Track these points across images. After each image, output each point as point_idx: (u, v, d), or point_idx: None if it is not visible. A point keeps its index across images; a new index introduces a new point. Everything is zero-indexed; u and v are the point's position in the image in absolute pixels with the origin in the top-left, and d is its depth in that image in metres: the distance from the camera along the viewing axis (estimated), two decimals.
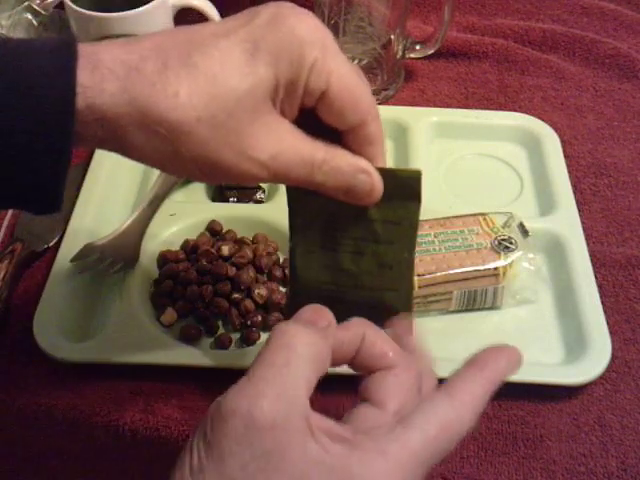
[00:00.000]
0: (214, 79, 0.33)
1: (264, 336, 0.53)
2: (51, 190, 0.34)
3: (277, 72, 0.34)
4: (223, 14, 0.70)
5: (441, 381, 0.47)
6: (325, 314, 0.36)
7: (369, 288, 0.40)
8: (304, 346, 0.33)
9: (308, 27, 0.35)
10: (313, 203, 0.39)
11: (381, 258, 0.40)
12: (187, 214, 0.60)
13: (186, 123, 0.33)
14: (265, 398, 0.31)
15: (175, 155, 0.34)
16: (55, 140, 0.32)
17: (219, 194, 0.63)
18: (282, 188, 0.61)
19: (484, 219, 0.56)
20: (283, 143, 0.36)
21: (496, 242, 0.55)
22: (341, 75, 0.36)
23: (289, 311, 0.40)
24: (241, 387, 0.31)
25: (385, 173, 0.38)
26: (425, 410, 0.34)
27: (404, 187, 0.39)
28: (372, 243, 0.40)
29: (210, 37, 0.35)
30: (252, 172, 0.35)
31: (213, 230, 0.59)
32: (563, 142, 0.67)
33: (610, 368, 0.51)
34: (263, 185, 0.63)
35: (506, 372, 0.37)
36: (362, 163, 0.38)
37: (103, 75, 0.32)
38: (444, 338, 0.53)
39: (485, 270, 0.53)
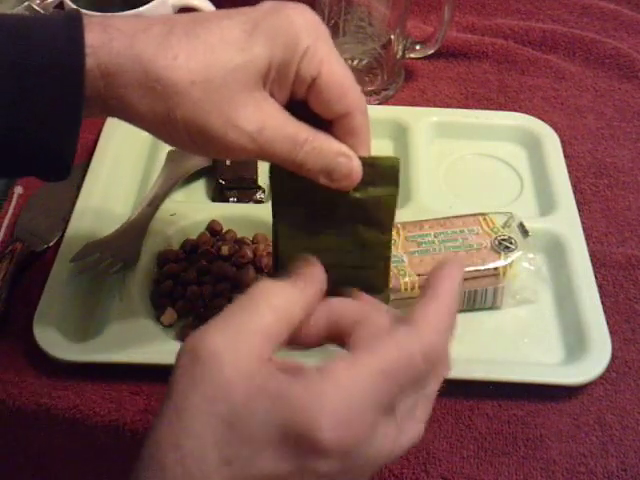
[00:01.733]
0: (212, 49, 0.36)
1: None
2: (63, 152, 0.37)
3: (271, 53, 0.37)
4: None
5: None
6: (309, 266, 0.38)
7: (349, 267, 0.42)
8: (267, 296, 0.35)
9: (305, 18, 0.38)
10: (296, 186, 0.40)
11: (360, 238, 0.42)
12: (187, 214, 0.60)
13: (180, 84, 0.36)
14: (209, 335, 0.33)
15: (167, 116, 0.36)
16: (67, 103, 0.35)
17: (219, 194, 0.63)
18: None
19: (484, 219, 0.56)
20: (270, 118, 0.38)
21: (496, 242, 0.55)
22: (332, 65, 0.38)
23: None
24: (196, 331, 0.34)
25: (365, 161, 0.40)
26: (383, 337, 0.34)
27: (383, 174, 0.40)
28: (352, 224, 0.41)
29: (214, 17, 0.38)
30: (238, 142, 0.37)
31: (213, 230, 0.59)
32: (563, 142, 0.67)
33: (610, 368, 0.51)
34: (263, 185, 0.63)
35: (457, 278, 0.38)
36: (343, 147, 0.39)
37: (112, 35, 0.36)
38: None
39: (485, 270, 0.53)
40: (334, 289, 0.39)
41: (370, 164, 0.40)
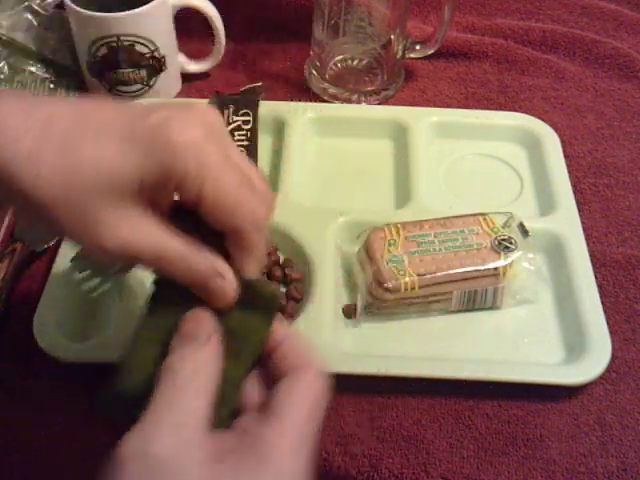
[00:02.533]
0: (80, 165, 0.35)
1: None
2: None
3: (143, 171, 0.35)
4: (223, 14, 0.70)
5: (442, 380, 0.47)
6: (204, 322, 0.37)
7: None
8: (187, 377, 0.34)
9: (191, 136, 0.36)
10: (173, 295, 0.38)
11: None
12: None
13: (43, 200, 0.34)
14: (154, 439, 0.32)
15: (34, 219, 0.37)
16: None
17: None
18: (280, 190, 0.61)
19: (484, 219, 0.56)
20: (138, 229, 0.36)
21: (496, 242, 0.55)
22: (217, 185, 0.36)
23: (107, 409, 0.40)
24: (135, 432, 0.33)
25: (248, 284, 0.38)
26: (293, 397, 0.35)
27: (261, 303, 0.38)
28: None
29: (94, 128, 0.36)
30: (101, 256, 0.36)
31: None
32: (563, 142, 0.67)
33: (610, 368, 0.51)
34: None
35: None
36: (219, 266, 0.38)
37: None
38: (444, 338, 0.54)
39: (485, 270, 0.53)
40: None
41: (252, 287, 0.38)
